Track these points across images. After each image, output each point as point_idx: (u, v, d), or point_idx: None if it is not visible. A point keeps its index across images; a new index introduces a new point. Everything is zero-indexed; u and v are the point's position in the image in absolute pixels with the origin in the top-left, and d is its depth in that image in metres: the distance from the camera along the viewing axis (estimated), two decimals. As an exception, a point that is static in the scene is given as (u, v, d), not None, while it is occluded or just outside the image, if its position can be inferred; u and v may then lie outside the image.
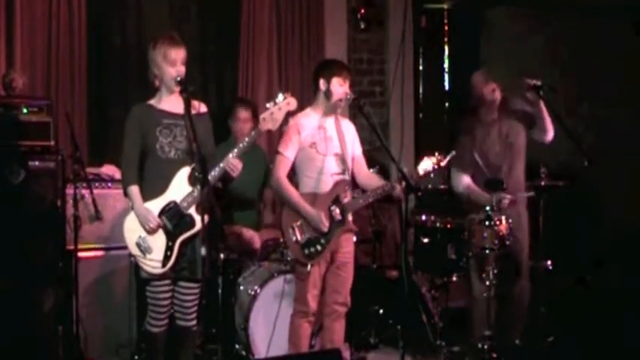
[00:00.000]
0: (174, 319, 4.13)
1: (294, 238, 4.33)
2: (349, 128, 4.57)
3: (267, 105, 4.00)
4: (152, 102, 4.06)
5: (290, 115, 4.17)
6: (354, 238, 4.56)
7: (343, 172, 4.43)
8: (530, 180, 5.16)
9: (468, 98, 5.06)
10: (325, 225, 4.30)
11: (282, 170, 4.37)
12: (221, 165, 3.92)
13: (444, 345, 5.03)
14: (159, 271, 3.94)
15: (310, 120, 4.43)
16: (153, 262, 3.92)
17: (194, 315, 4.10)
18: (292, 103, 4.01)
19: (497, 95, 4.91)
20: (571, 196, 5.41)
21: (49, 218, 4.63)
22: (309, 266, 4.31)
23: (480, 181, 4.90)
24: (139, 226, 3.94)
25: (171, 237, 3.94)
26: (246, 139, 3.99)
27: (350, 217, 4.44)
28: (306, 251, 4.32)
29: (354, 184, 4.53)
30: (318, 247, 4.32)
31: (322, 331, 4.54)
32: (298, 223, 4.33)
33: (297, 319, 4.42)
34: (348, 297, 4.46)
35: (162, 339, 4.11)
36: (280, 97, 4.00)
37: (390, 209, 6.05)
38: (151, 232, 3.92)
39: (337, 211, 4.36)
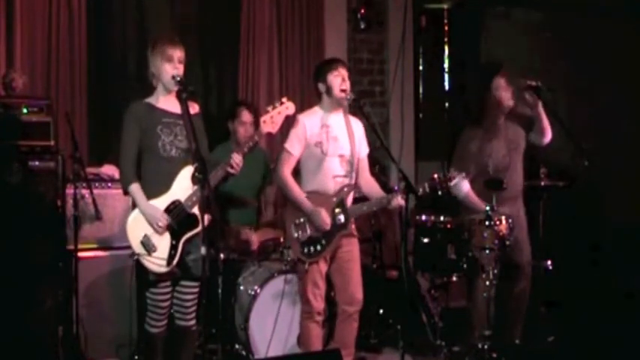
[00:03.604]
0: (173, 319, 4.14)
1: (295, 235, 4.35)
2: (358, 128, 4.57)
3: (268, 108, 4.12)
4: (150, 100, 4.06)
5: (290, 118, 4.23)
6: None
7: (347, 175, 4.43)
8: (530, 180, 5.16)
9: (479, 100, 5.04)
10: (327, 223, 4.30)
11: (286, 167, 4.39)
12: (223, 165, 3.95)
13: (444, 345, 5.03)
14: (164, 269, 3.94)
15: (316, 118, 4.44)
16: (158, 261, 3.92)
17: (193, 315, 4.12)
18: (291, 107, 4.13)
19: (513, 101, 4.90)
20: (571, 196, 5.43)
21: (49, 218, 4.63)
22: (306, 264, 4.33)
23: (482, 180, 4.89)
24: (143, 224, 3.94)
25: (175, 236, 3.95)
26: (250, 142, 4.06)
27: (352, 223, 4.44)
28: (305, 249, 4.33)
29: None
30: (318, 247, 4.33)
31: (334, 331, 4.55)
32: (301, 220, 4.35)
33: (303, 320, 4.45)
34: (355, 296, 4.45)
35: (161, 339, 4.12)
36: (280, 101, 4.12)
37: (390, 209, 6.04)
38: (160, 231, 3.92)
39: (341, 215, 4.37)
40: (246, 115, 5.28)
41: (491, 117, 4.97)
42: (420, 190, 4.25)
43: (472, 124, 5.05)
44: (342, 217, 4.37)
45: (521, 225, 4.96)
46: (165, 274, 3.97)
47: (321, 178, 4.39)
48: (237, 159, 3.97)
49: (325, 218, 4.31)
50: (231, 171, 3.98)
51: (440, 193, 4.29)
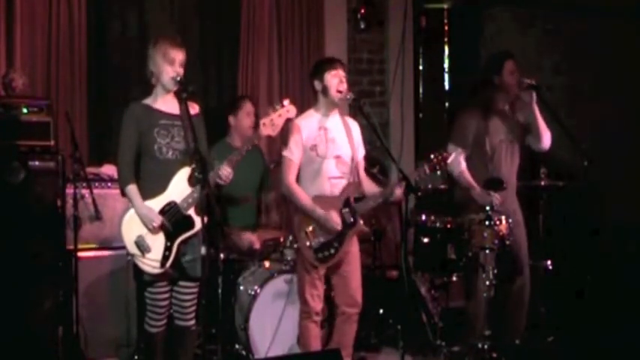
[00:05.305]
0: (173, 319, 4.14)
1: (307, 243, 4.34)
2: (355, 129, 4.57)
3: (268, 111, 4.09)
4: (148, 101, 4.06)
5: (290, 121, 4.22)
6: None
7: (342, 176, 4.43)
8: (530, 180, 5.16)
9: (485, 79, 5.04)
10: (339, 224, 4.30)
11: (290, 175, 4.38)
12: (212, 174, 3.92)
13: (444, 345, 5.03)
14: (157, 270, 3.94)
15: (312, 121, 4.43)
16: (152, 262, 3.93)
17: (192, 315, 4.12)
18: (292, 110, 4.10)
19: (517, 90, 4.90)
20: (571, 196, 5.43)
21: (49, 218, 4.63)
22: (320, 269, 4.34)
23: (481, 163, 4.89)
24: (137, 224, 3.94)
25: (170, 237, 3.95)
26: (244, 148, 4.05)
27: (361, 219, 4.44)
28: (320, 255, 4.33)
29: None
30: (332, 251, 4.34)
31: (333, 331, 4.55)
32: (310, 228, 4.34)
33: (302, 320, 4.45)
34: (356, 297, 4.47)
35: (161, 339, 4.13)
36: (281, 103, 4.09)
37: (389, 209, 6.05)
38: (154, 231, 3.92)
39: (349, 213, 4.37)
40: (248, 106, 5.30)
41: (494, 99, 4.97)
42: (420, 172, 4.25)
43: (472, 105, 5.06)
44: (350, 216, 4.37)
45: (518, 223, 4.94)
46: (160, 275, 3.97)
47: (318, 180, 4.38)
48: (225, 171, 3.94)
49: (336, 220, 4.30)
50: (220, 182, 3.97)
51: (439, 172, 4.28)
